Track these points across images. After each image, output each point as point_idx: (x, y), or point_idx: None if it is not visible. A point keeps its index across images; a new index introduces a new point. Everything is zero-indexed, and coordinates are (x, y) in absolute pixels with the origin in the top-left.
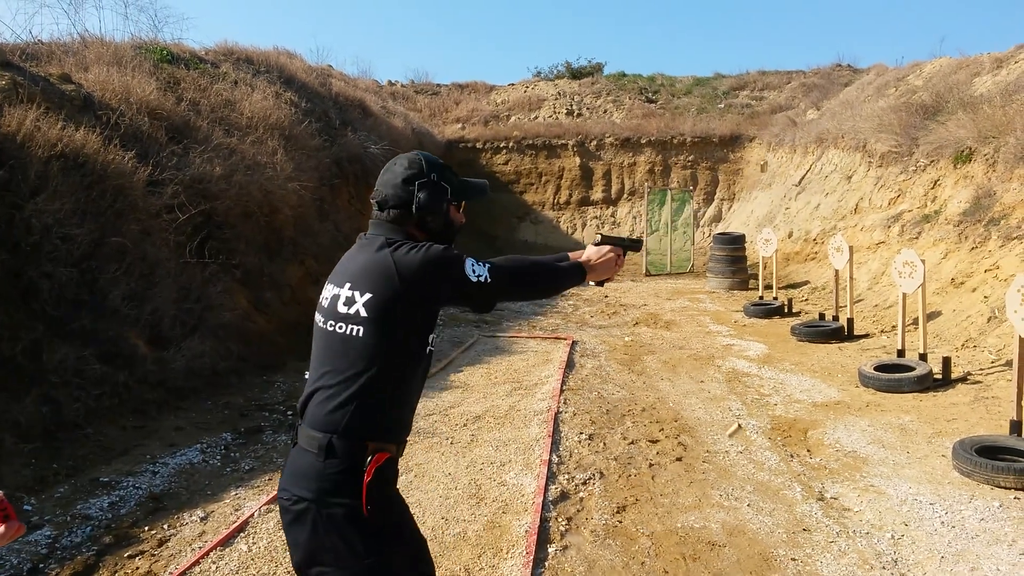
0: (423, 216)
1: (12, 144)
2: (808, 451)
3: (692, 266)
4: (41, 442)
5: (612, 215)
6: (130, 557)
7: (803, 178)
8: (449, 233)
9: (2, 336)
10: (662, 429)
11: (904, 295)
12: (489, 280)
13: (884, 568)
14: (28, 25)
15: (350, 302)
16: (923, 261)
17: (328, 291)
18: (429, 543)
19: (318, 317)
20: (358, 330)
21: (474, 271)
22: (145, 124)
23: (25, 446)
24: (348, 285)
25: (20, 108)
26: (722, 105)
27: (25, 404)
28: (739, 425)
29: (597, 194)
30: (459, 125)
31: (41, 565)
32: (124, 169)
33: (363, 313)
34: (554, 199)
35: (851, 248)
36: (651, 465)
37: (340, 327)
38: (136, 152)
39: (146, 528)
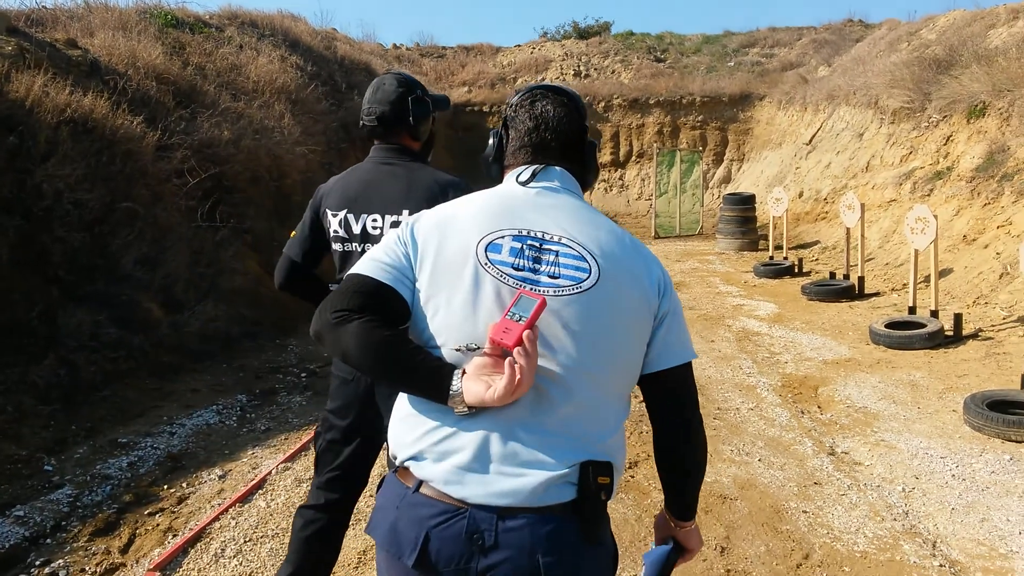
0: (417, 127)
1: (21, 110)
2: (819, 407)
3: (701, 228)
4: (59, 404)
5: (620, 178)
6: (150, 514)
7: (814, 136)
8: (431, 141)
9: (17, 301)
10: None
11: (916, 252)
12: None
13: (895, 520)
14: None
15: None
16: (936, 217)
17: (372, 221)
18: None
19: (361, 247)
20: None
21: None
22: (152, 89)
23: (44, 408)
24: (406, 211)
25: (27, 74)
26: (732, 63)
27: (42, 367)
28: None
29: (605, 156)
30: (465, 88)
31: (63, 523)
32: (133, 134)
33: None
34: None
35: (863, 206)
36: None
37: None
38: (144, 117)
39: (165, 487)
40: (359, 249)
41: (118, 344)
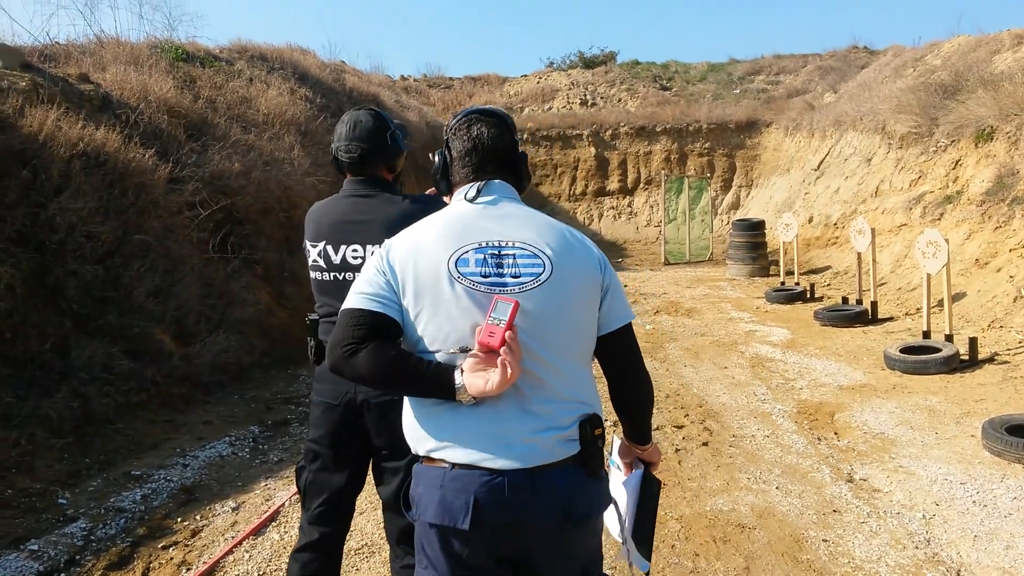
0: (395, 160)
1: (35, 144)
2: (835, 434)
3: (711, 254)
4: (72, 437)
5: (629, 205)
6: (164, 548)
7: (822, 162)
8: (401, 170)
9: (31, 333)
10: (687, 415)
11: (928, 276)
12: None
13: (917, 547)
14: (45, 27)
15: None
16: (947, 241)
17: (353, 251)
18: None
19: (352, 275)
20: None
21: None
22: (164, 122)
23: (57, 441)
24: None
25: (41, 109)
26: (737, 91)
27: (55, 400)
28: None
29: (613, 184)
30: None
31: (77, 556)
32: (145, 167)
33: None
34: (570, 190)
35: (873, 230)
36: (677, 450)
37: None
38: (156, 150)
39: (179, 519)
40: (338, 278)
41: (130, 376)
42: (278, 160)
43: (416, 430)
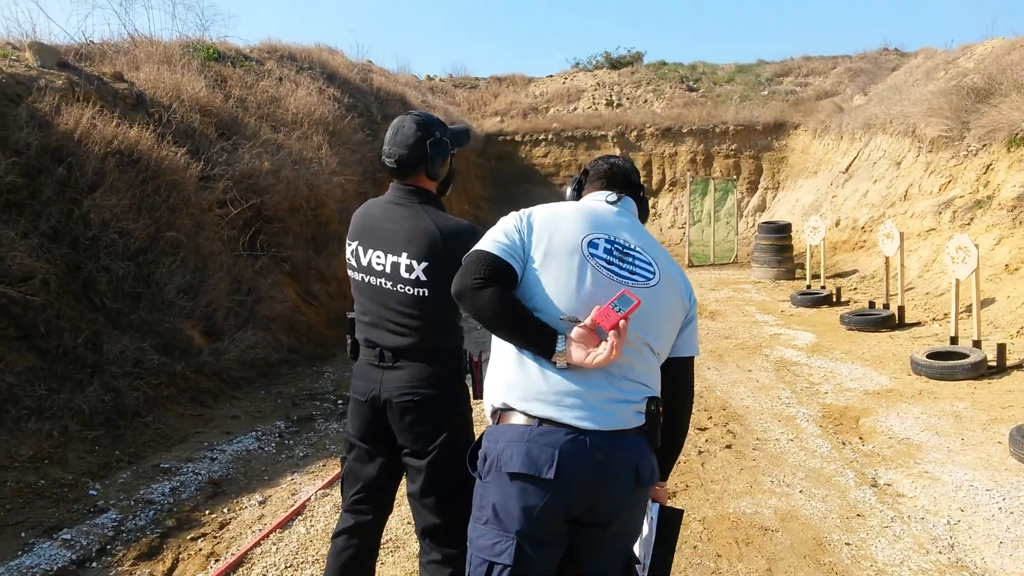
0: (434, 169)
1: (70, 142)
2: (860, 438)
3: (736, 256)
4: (103, 429)
5: (653, 206)
6: (193, 539)
7: (850, 165)
8: (449, 179)
9: (64, 328)
10: (710, 417)
11: (957, 281)
12: None
13: (941, 552)
14: (81, 26)
15: (410, 269)
16: (977, 246)
17: (376, 257)
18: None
19: (375, 280)
20: (422, 291)
21: None
22: (196, 121)
23: (89, 433)
24: (405, 254)
25: (76, 107)
26: (765, 92)
27: (88, 393)
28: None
29: None
30: (498, 118)
31: (108, 546)
32: (177, 165)
33: (423, 278)
34: None
35: (902, 235)
36: (700, 452)
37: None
38: (188, 148)
39: (207, 512)
40: (363, 279)
41: (160, 370)
42: (306, 159)
43: (504, 382)
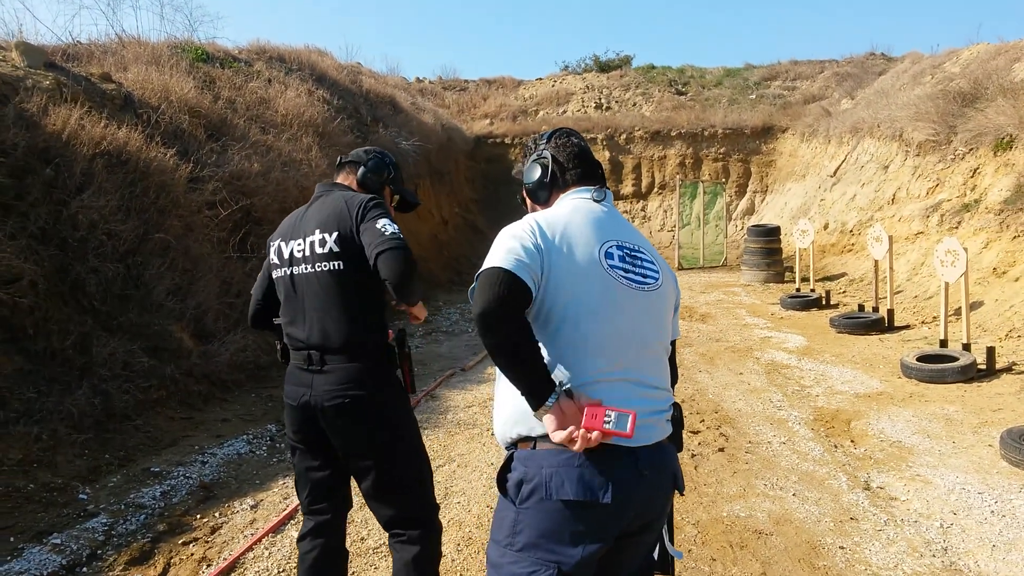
0: (369, 173)
1: (58, 142)
2: (852, 441)
3: (725, 259)
4: (93, 433)
5: (643, 209)
6: (184, 544)
7: (838, 169)
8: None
9: (53, 330)
10: (702, 420)
11: (946, 284)
12: (398, 237)
13: (934, 556)
14: (68, 27)
15: (323, 243)
16: (965, 250)
17: (296, 244)
18: (474, 532)
19: (297, 269)
20: (337, 264)
21: (389, 224)
22: (184, 122)
23: (78, 436)
24: (318, 231)
25: (64, 107)
26: (753, 96)
27: (77, 396)
28: None
29: (627, 188)
30: (487, 120)
31: (99, 551)
32: (166, 166)
33: (336, 248)
34: None
35: (890, 238)
36: (693, 455)
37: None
38: (177, 150)
39: (198, 516)
40: (286, 273)
41: (150, 373)
42: (296, 161)
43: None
